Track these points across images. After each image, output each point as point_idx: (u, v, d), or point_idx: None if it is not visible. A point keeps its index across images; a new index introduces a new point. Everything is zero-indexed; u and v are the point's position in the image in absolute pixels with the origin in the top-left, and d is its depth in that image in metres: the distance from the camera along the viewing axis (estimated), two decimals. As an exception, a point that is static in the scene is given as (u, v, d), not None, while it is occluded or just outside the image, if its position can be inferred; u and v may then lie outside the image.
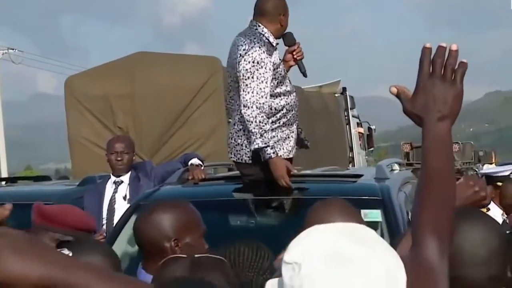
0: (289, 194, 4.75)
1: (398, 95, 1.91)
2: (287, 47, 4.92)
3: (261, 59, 4.58)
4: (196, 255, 2.37)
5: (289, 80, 4.83)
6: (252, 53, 4.59)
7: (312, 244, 1.44)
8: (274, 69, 4.65)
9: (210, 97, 8.89)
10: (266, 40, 4.68)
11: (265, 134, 4.54)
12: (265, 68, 4.59)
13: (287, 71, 4.88)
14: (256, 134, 4.54)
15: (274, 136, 4.67)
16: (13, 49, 36.51)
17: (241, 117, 4.67)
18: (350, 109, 14.12)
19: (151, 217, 2.95)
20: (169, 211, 2.94)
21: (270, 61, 4.62)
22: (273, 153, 4.54)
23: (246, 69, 4.59)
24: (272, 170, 4.55)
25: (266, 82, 4.59)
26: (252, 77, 4.58)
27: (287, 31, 4.87)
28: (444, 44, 1.85)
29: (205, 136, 8.93)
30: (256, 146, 4.54)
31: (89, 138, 9.27)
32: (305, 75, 4.98)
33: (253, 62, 4.58)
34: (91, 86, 9.40)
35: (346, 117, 13.95)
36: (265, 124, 4.56)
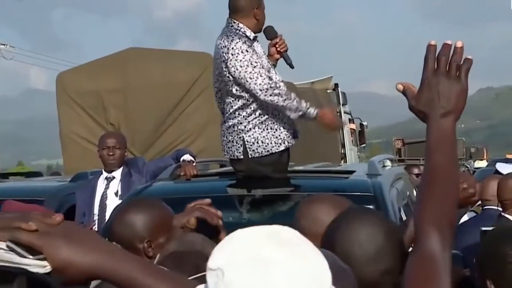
0: (282, 190, 4.76)
1: (404, 92, 1.93)
2: (269, 41, 4.94)
3: (246, 47, 4.64)
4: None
5: (275, 71, 4.84)
6: (236, 45, 4.63)
7: (235, 249, 1.40)
8: (259, 58, 4.69)
9: (202, 93, 8.88)
10: (243, 35, 4.72)
11: (295, 101, 4.66)
12: (253, 54, 4.64)
13: (275, 65, 4.91)
14: (290, 106, 4.65)
15: (264, 129, 4.70)
16: (4, 45, 36.42)
17: (231, 113, 4.71)
18: (342, 105, 14.12)
19: (123, 217, 2.87)
20: (142, 211, 2.84)
21: (254, 51, 4.67)
22: (314, 110, 4.72)
23: (240, 60, 4.62)
24: (325, 125, 4.81)
25: (263, 67, 4.65)
26: (251, 64, 4.61)
27: (267, 25, 4.90)
28: (449, 42, 1.87)
29: (197, 132, 8.92)
30: (300, 113, 4.68)
31: (81, 134, 9.26)
32: (291, 66, 4.99)
33: (242, 52, 4.62)
34: (83, 82, 9.38)
35: (338, 113, 13.95)
36: (289, 93, 4.67)
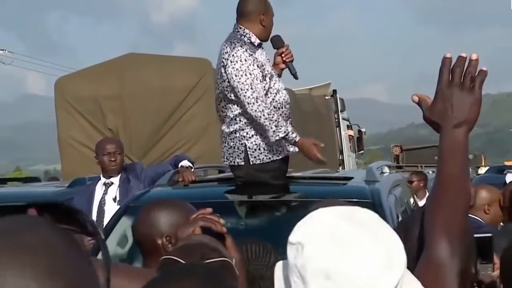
0: (280, 196, 4.76)
1: (419, 103, 1.96)
2: (276, 50, 4.93)
3: (246, 56, 4.62)
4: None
5: (278, 79, 4.84)
6: (236, 53, 4.63)
7: (315, 226, 1.50)
8: (259, 67, 4.67)
9: (201, 99, 8.88)
10: (248, 41, 4.72)
11: (278, 123, 4.60)
12: (253, 65, 4.62)
13: (280, 75, 4.91)
14: (270, 126, 4.59)
15: (266, 136, 4.69)
16: (3, 50, 36.44)
17: (231, 119, 4.70)
18: (340, 111, 14.13)
19: (145, 214, 2.96)
20: (164, 208, 2.94)
21: (255, 59, 4.66)
22: (295, 136, 4.64)
23: (237, 69, 4.61)
24: (303, 153, 4.67)
25: (257, 78, 4.63)
26: (246, 74, 4.60)
27: (275, 33, 4.90)
28: (464, 55, 1.90)
29: (195, 138, 8.92)
30: (277, 138, 4.61)
31: (79, 139, 9.26)
32: (295, 77, 5.00)
33: (241, 60, 4.61)
34: (81, 87, 9.39)
35: (336, 120, 13.96)
36: (273, 114, 4.61)
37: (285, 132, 4.60)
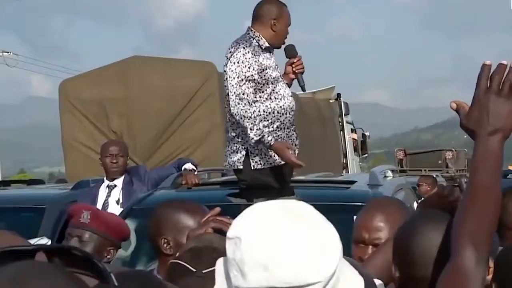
0: (283, 199, 4.75)
1: (457, 110, 1.95)
2: (288, 59, 4.95)
3: (245, 58, 4.65)
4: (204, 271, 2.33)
5: (284, 84, 4.83)
6: (236, 54, 4.67)
7: (252, 219, 1.52)
8: (262, 70, 4.69)
9: (205, 102, 8.89)
10: (256, 43, 4.74)
11: (256, 126, 4.60)
12: (248, 67, 4.65)
13: (290, 85, 4.92)
14: (248, 128, 4.60)
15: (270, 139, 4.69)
16: (7, 52, 36.48)
17: (233, 123, 4.72)
18: (344, 115, 14.10)
19: (154, 213, 2.99)
20: (168, 210, 2.95)
21: (256, 61, 4.67)
22: (271, 140, 4.60)
23: (232, 70, 4.67)
24: (280, 157, 4.63)
25: (249, 81, 4.65)
26: (238, 76, 4.65)
27: (289, 43, 4.91)
28: (504, 62, 1.89)
29: (199, 141, 8.93)
30: (253, 141, 4.61)
31: (83, 141, 9.27)
32: (303, 89, 5.04)
33: (238, 62, 4.66)
34: (86, 90, 9.40)
35: (340, 123, 13.94)
36: (255, 117, 4.61)
37: (260, 135, 4.60)
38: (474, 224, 1.85)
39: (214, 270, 2.30)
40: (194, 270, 2.31)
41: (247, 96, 4.62)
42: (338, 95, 14.12)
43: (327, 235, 1.50)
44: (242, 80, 4.63)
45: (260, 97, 4.70)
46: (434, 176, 13.02)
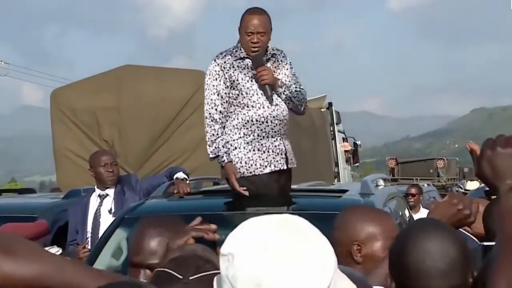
0: (274, 208, 4.75)
1: (471, 153, 1.99)
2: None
3: (215, 71, 4.77)
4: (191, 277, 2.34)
5: (264, 93, 4.80)
6: (209, 67, 4.84)
7: (245, 235, 1.50)
8: (233, 82, 4.74)
9: (196, 111, 8.87)
10: (236, 52, 4.82)
11: (214, 144, 4.73)
12: (218, 80, 4.75)
13: (270, 93, 4.84)
14: (207, 145, 4.77)
15: (250, 150, 4.72)
16: (-1, 61, 36.43)
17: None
18: (336, 124, 14.12)
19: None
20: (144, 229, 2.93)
21: (224, 74, 4.75)
22: (224, 160, 4.71)
23: (205, 82, 4.85)
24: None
25: (217, 94, 4.76)
26: (208, 89, 4.80)
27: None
28: None
29: (191, 150, 8.91)
30: (209, 157, 4.79)
31: (75, 151, 9.25)
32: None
33: (209, 75, 4.82)
34: (77, 98, 9.38)
35: (332, 132, 13.96)
36: (217, 135, 4.74)
37: (215, 154, 4.74)
38: (509, 273, 1.82)
39: (201, 277, 2.32)
40: (180, 277, 2.32)
41: (216, 108, 4.75)
42: (330, 104, 14.14)
43: (320, 250, 1.48)
44: (213, 93, 4.77)
45: (237, 105, 4.75)
46: (426, 185, 13.04)
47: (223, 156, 4.69)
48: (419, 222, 2.22)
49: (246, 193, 4.64)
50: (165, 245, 2.73)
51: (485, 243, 3.58)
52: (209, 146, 4.74)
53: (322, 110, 13.86)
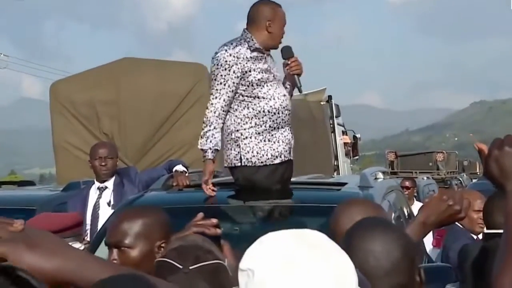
0: (274, 201, 4.76)
1: (479, 152, 1.99)
2: (284, 60, 4.94)
3: (225, 61, 4.66)
4: (191, 267, 2.36)
5: (275, 85, 4.81)
6: (217, 56, 4.70)
7: (265, 250, 1.47)
8: (245, 73, 4.68)
9: (196, 104, 8.88)
10: (246, 45, 4.73)
11: (204, 136, 4.71)
12: (228, 70, 4.66)
13: (294, 86, 4.94)
14: (200, 135, 4.74)
15: (261, 140, 4.71)
16: (-2, 54, 36.39)
17: (227, 119, 4.75)
18: (336, 117, 14.12)
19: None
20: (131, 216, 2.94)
21: (236, 64, 4.67)
22: (208, 156, 4.71)
23: (212, 71, 4.73)
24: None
25: (226, 85, 4.67)
26: (215, 79, 4.69)
27: (286, 44, 4.91)
28: None
29: (190, 143, 8.89)
30: (199, 148, 4.74)
31: (74, 143, 9.25)
32: (299, 90, 5.00)
33: (218, 64, 4.69)
34: (77, 91, 9.37)
35: (331, 126, 13.95)
36: (213, 128, 4.70)
37: (202, 146, 4.72)
38: None
39: (201, 266, 2.33)
40: (180, 266, 2.34)
41: (221, 99, 4.68)
42: (329, 97, 14.13)
43: (342, 266, 1.46)
44: (220, 82, 4.67)
45: (247, 96, 4.72)
46: (425, 178, 13.06)
47: (207, 151, 4.69)
48: (363, 221, 2.18)
49: (213, 193, 4.64)
50: (141, 230, 2.77)
51: (486, 231, 3.60)
52: (201, 137, 4.72)
53: (322, 103, 13.86)
